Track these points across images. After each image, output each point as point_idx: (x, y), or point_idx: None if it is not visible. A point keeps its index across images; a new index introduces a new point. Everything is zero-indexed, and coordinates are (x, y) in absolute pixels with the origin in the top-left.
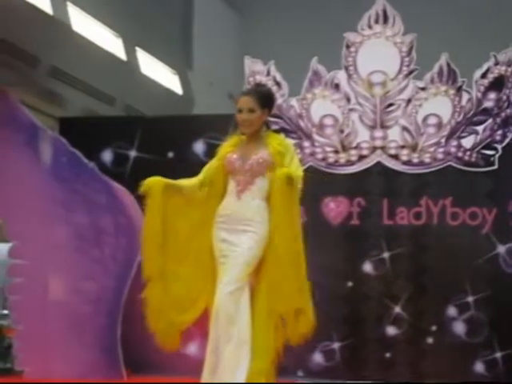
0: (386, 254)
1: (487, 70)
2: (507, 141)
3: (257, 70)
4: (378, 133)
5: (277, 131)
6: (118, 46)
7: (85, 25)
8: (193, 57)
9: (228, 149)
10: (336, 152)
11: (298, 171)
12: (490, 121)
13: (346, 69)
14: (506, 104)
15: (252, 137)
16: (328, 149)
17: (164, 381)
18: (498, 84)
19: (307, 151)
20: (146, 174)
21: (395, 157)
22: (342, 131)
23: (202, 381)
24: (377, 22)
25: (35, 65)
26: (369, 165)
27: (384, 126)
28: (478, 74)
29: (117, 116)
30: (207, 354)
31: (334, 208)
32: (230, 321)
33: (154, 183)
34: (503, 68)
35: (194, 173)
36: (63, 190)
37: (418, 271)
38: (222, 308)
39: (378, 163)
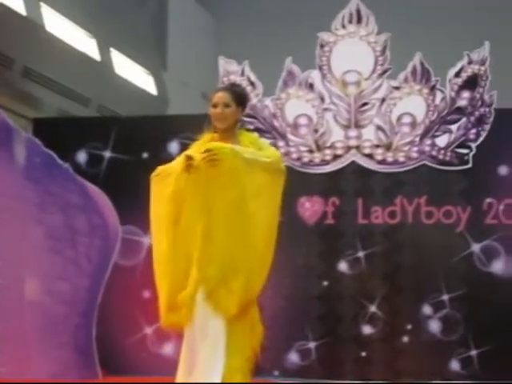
0: (361, 253)
1: (461, 69)
2: (481, 139)
3: (231, 70)
4: (353, 132)
5: (251, 131)
6: (91, 46)
7: (58, 25)
8: (167, 57)
9: (200, 147)
10: (310, 151)
11: (268, 152)
12: (464, 119)
13: (320, 68)
14: (479, 103)
15: (224, 134)
16: (302, 148)
17: (139, 381)
18: (471, 83)
19: (282, 151)
20: (121, 175)
21: (370, 156)
22: (316, 131)
23: (177, 379)
24: (350, 21)
25: (9, 65)
26: (343, 164)
27: (358, 126)
28: (451, 72)
29: (91, 116)
30: (182, 353)
31: (309, 207)
32: (205, 319)
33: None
34: (477, 67)
35: None
36: (37, 191)
37: (393, 270)
38: (199, 307)
39: (353, 162)
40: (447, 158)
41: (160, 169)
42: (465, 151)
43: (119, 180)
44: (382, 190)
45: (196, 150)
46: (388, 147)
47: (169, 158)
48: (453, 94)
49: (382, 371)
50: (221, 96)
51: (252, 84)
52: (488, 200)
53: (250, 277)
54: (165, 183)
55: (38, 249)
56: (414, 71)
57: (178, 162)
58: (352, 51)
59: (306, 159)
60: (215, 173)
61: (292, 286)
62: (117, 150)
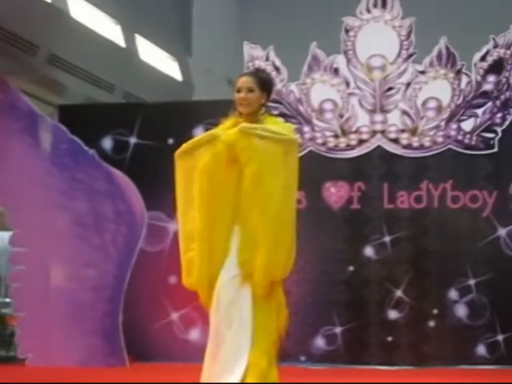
0: (387, 238)
1: (486, 53)
2: (507, 123)
3: (256, 56)
4: (378, 117)
5: (276, 116)
6: (116, 32)
7: (83, 12)
8: (192, 43)
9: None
10: (336, 136)
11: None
12: (490, 104)
13: (345, 53)
14: (505, 87)
15: (248, 119)
16: (328, 133)
17: (166, 368)
18: (497, 67)
19: (307, 136)
20: (146, 161)
21: (395, 141)
22: (341, 116)
23: (204, 367)
24: (375, 6)
25: (34, 53)
26: (369, 149)
27: (384, 110)
28: (477, 56)
29: (116, 103)
30: (209, 340)
31: (335, 192)
32: (230, 306)
33: None
34: (502, 51)
35: None
36: (63, 178)
37: (419, 255)
38: (222, 293)
39: (378, 147)
40: (473, 143)
41: (184, 145)
42: (491, 135)
43: (145, 166)
44: (408, 175)
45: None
46: (413, 132)
47: None
48: (478, 77)
49: (408, 356)
50: (245, 81)
51: (277, 69)
52: None
53: (275, 254)
54: (190, 158)
55: (65, 235)
56: (439, 55)
57: (202, 137)
58: (377, 36)
59: (331, 144)
60: (232, 153)
61: (318, 272)
62: (142, 136)
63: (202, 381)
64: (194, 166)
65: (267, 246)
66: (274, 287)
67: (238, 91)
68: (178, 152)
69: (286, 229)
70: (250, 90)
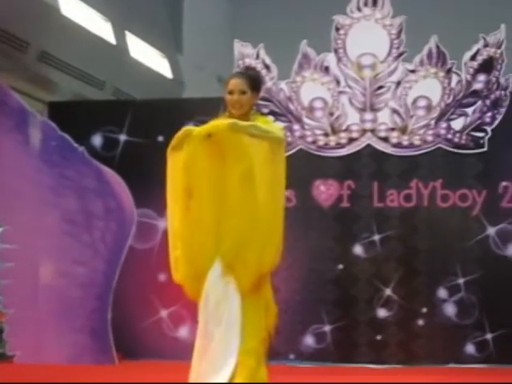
0: (376, 237)
1: (476, 52)
2: (497, 123)
3: (246, 54)
4: (368, 115)
5: (266, 114)
6: (107, 29)
7: (74, 9)
8: (182, 40)
9: None
10: (326, 135)
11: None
12: (480, 103)
13: (336, 51)
14: (495, 86)
15: (240, 119)
16: (318, 132)
17: (155, 365)
18: (487, 66)
19: (297, 134)
20: (136, 158)
21: (385, 139)
22: (331, 114)
23: (193, 365)
24: (366, 4)
25: (24, 49)
26: (359, 147)
27: (374, 109)
28: (467, 55)
29: (106, 100)
30: (197, 338)
31: (325, 191)
32: (219, 303)
33: None
34: (493, 50)
35: None
36: (52, 175)
37: (408, 253)
38: (211, 291)
39: (368, 146)
40: (463, 142)
41: (172, 141)
42: (480, 134)
43: (134, 163)
44: (398, 174)
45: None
46: (403, 130)
47: None
48: (468, 77)
49: (396, 354)
50: (237, 83)
51: (267, 67)
52: (503, 183)
53: (262, 249)
54: (178, 154)
55: (54, 232)
56: (429, 54)
57: (180, 133)
58: (367, 34)
59: (321, 142)
60: (217, 148)
61: (307, 270)
62: (132, 134)
63: (191, 379)
64: (179, 159)
65: (255, 241)
66: (262, 284)
67: (230, 93)
68: (169, 148)
69: (274, 226)
70: (243, 92)
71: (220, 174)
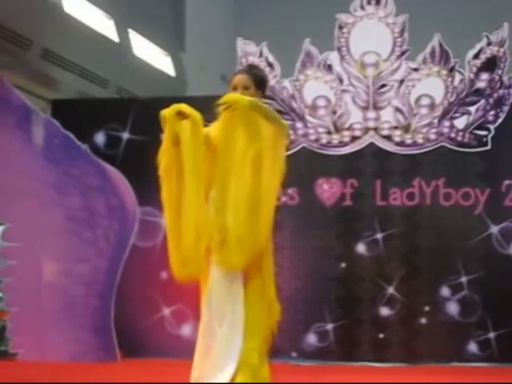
0: (379, 235)
1: (480, 51)
2: (500, 121)
3: (249, 52)
4: (371, 114)
5: None
6: (110, 27)
7: (77, 7)
8: (185, 38)
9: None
10: (329, 133)
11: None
12: (483, 101)
13: (339, 50)
14: (498, 84)
15: None
16: (321, 130)
17: (158, 363)
18: (490, 64)
19: (300, 132)
20: (139, 156)
21: (388, 138)
22: (334, 112)
23: (194, 364)
24: (369, 2)
25: (27, 47)
26: (362, 146)
27: (377, 107)
28: (470, 54)
29: (109, 98)
30: (199, 336)
31: (328, 189)
32: (223, 302)
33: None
34: (496, 48)
35: None
36: (56, 173)
37: (411, 252)
38: (214, 289)
39: (371, 144)
40: (466, 140)
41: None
42: (483, 133)
43: (137, 161)
44: (401, 172)
45: (215, 129)
46: (406, 129)
47: None
48: (471, 75)
49: (399, 353)
50: (240, 79)
51: (270, 65)
52: (507, 182)
53: (257, 229)
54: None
55: (57, 230)
56: (432, 53)
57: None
58: (370, 32)
59: (324, 141)
60: (232, 122)
61: (310, 268)
62: (135, 132)
63: (192, 378)
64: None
65: (250, 220)
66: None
67: (234, 89)
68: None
69: (268, 209)
70: (246, 88)
71: (222, 151)
